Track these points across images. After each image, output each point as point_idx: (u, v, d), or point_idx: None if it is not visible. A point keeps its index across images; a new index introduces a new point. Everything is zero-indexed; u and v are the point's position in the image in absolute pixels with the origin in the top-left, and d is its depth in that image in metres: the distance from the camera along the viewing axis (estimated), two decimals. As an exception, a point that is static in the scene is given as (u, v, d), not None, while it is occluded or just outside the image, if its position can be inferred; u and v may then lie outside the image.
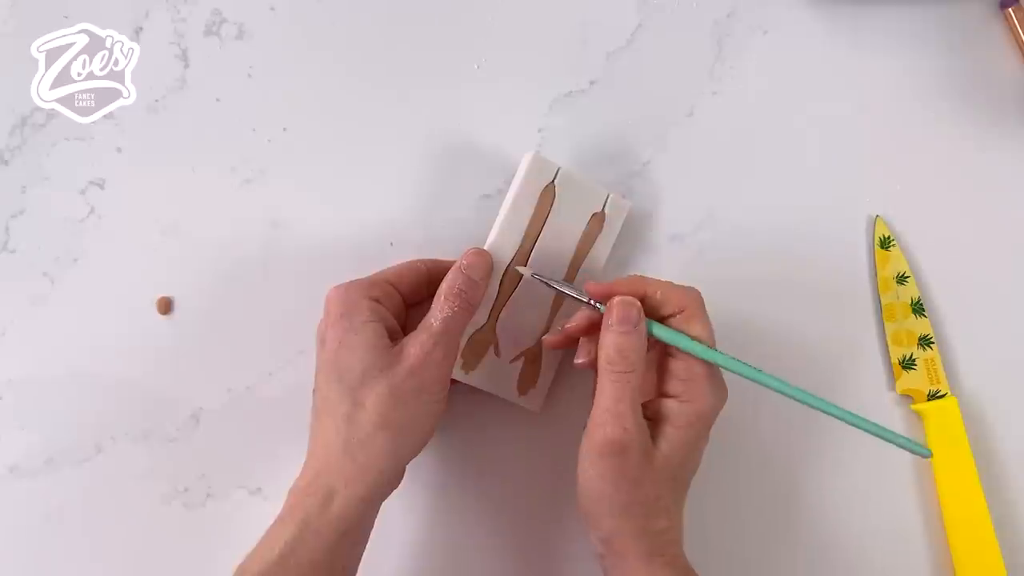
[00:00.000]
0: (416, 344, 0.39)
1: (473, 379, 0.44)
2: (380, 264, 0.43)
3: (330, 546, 0.36)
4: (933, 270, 0.51)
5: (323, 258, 0.48)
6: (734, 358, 0.39)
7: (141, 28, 0.48)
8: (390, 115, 0.49)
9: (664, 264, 0.49)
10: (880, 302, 0.50)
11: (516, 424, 0.47)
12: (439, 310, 0.40)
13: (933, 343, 0.50)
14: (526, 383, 0.46)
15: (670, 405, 0.40)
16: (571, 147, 0.50)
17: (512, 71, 0.50)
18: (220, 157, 0.48)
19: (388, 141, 0.49)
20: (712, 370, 0.40)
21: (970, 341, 0.51)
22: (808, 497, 0.49)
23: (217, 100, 0.48)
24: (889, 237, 0.50)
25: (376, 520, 0.40)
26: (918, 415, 0.50)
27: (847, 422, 0.39)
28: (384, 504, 0.40)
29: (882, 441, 0.39)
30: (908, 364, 0.50)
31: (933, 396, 0.49)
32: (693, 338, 0.39)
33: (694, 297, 0.41)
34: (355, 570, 0.39)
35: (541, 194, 0.44)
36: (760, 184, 0.51)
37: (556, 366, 0.46)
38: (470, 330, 0.43)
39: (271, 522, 0.38)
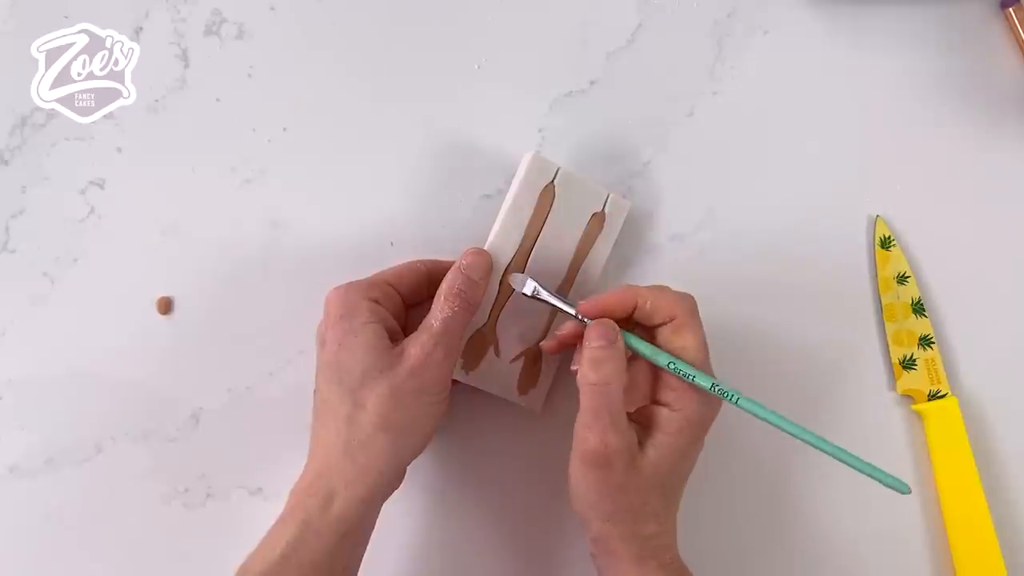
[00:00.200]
0: (416, 345, 0.39)
1: (473, 379, 0.44)
2: (380, 264, 0.43)
3: (331, 547, 0.37)
4: (933, 270, 0.51)
5: (323, 258, 0.47)
6: (711, 378, 0.38)
7: (141, 28, 0.48)
8: (390, 115, 0.49)
9: (664, 264, 0.49)
10: (880, 302, 0.50)
11: (516, 424, 0.47)
12: (439, 310, 0.40)
13: (933, 343, 0.50)
14: (526, 383, 0.46)
15: (661, 412, 0.40)
16: (571, 147, 0.50)
17: (512, 71, 0.50)
18: (220, 157, 0.48)
19: (388, 141, 0.49)
20: None
21: (970, 341, 0.51)
22: (807, 498, 0.49)
23: (217, 100, 0.48)
24: (889, 237, 0.50)
25: (376, 521, 0.40)
26: (918, 415, 0.50)
27: (821, 450, 0.38)
28: (384, 505, 0.40)
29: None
30: (908, 364, 0.50)
31: (933, 396, 0.49)
32: (679, 349, 0.39)
33: (685, 305, 0.40)
34: (356, 571, 0.39)
35: (541, 194, 0.44)
36: (760, 184, 0.51)
37: (557, 366, 0.46)
38: (470, 330, 0.43)
39: (271, 522, 0.38)
